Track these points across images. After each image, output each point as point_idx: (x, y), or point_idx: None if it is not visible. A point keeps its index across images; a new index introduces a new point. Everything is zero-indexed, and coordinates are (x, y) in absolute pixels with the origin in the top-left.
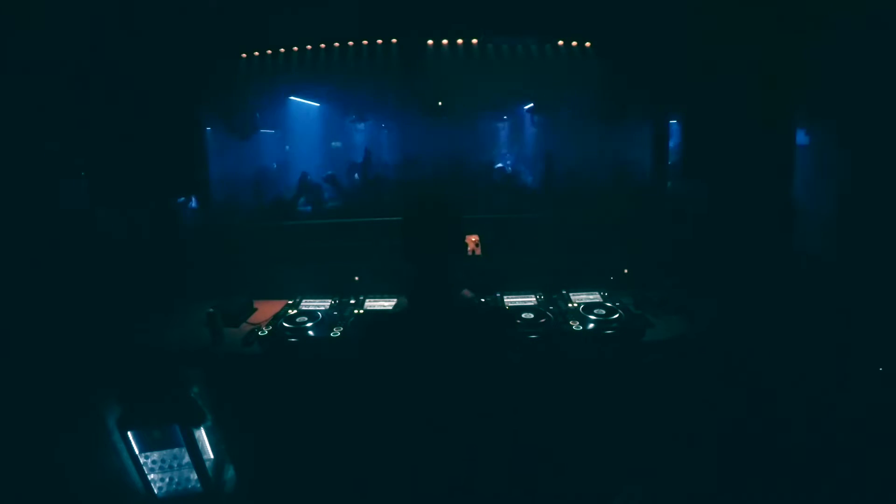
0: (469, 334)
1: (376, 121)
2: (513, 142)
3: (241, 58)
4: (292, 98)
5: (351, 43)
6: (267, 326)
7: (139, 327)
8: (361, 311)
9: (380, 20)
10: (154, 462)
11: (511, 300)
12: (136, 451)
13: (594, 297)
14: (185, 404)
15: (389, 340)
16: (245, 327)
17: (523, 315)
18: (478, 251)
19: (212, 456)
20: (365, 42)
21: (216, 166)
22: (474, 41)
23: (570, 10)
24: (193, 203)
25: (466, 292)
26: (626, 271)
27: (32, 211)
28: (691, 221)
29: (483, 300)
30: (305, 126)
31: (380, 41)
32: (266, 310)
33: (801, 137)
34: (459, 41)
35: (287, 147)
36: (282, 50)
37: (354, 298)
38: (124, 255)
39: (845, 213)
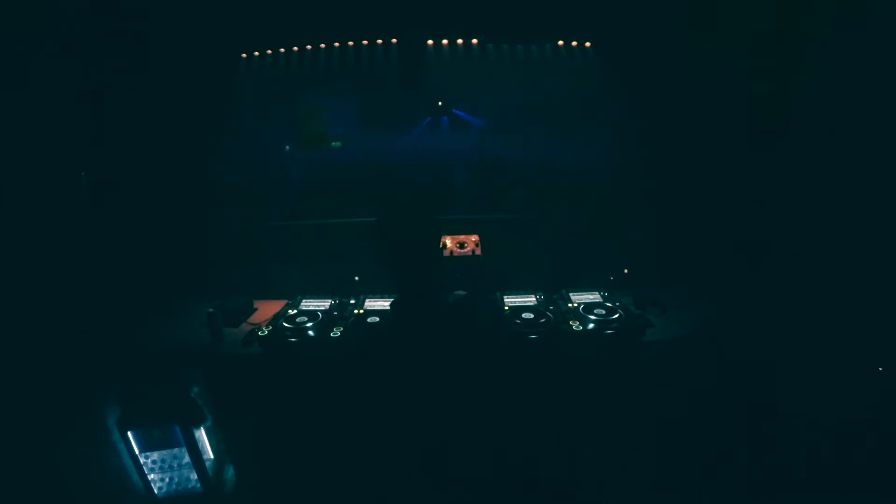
0: (459, 329)
1: (376, 120)
2: (513, 142)
3: (241, 58)
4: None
5: (351, 43)
6: (267, 326)
7: (140, 328)
8: (361, 311)
9: (380, 20)
10: (154, 462)
11: (511, 300)
12: (136, 451)
13: (594, 297)
14: (185, 404)
15: (383, 357)
16: (245, 327)
17: (523, 315)
18: (478, 251)
19: (212, 456)
20: (365, 42)
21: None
22: (474, 41)
23: (570, 10)
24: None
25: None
26: (626, 271)
27: (32, 211)
28: (689, 221)
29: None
30: None
31: (380, 41)
32: (266, 310)
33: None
34: (459, 41)
35: (287, 147)
36: (282, 50)
37: (354, 298)
38: (125, 255)
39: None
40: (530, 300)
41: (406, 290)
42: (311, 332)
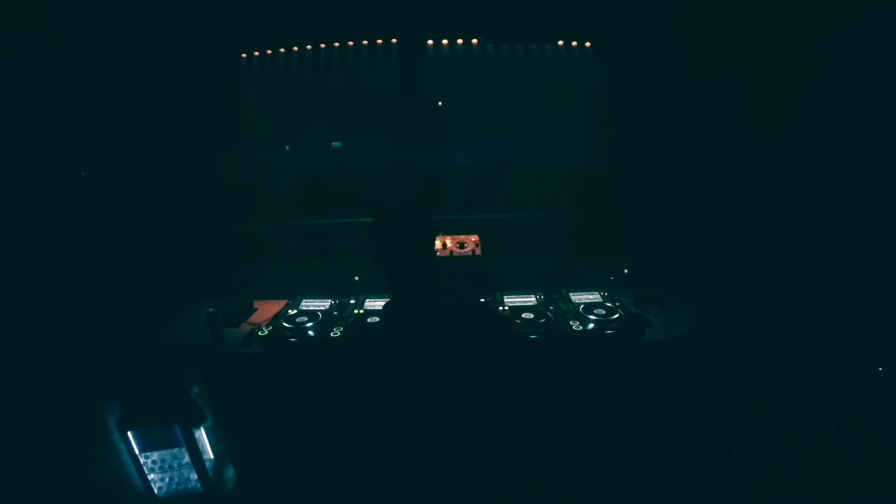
0: (457, 333)
1: (376, 120)
2: (513, 142)
3: (241, 58)
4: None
5: (351, 43)
6: (267, 326)
7: (140, 328)
8: (361, 311)
9: (380, 20)
10: (154, 462)
11: (511, 300)
12: (136, 451)
13: (594, 297)
14: (185, 404)
15: (376, 355)
16: (245, 327)
17: (523, 315)
18: (478, 251)
19: (212, 456)
20: (365, 42)
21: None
22: (474, 41)
23: (570, 10)
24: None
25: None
26: (626, 271)
27: (33, 211)
28: (689, 221)
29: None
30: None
31: (380, 41)
32: (266, 310)
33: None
34: (459, 41)
35: (287, 147)
36: (282, 50)
37: (354, 298)
38: (125, 255)
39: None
40: (530, 300)
41: (401, 291)
42: (311, 332)
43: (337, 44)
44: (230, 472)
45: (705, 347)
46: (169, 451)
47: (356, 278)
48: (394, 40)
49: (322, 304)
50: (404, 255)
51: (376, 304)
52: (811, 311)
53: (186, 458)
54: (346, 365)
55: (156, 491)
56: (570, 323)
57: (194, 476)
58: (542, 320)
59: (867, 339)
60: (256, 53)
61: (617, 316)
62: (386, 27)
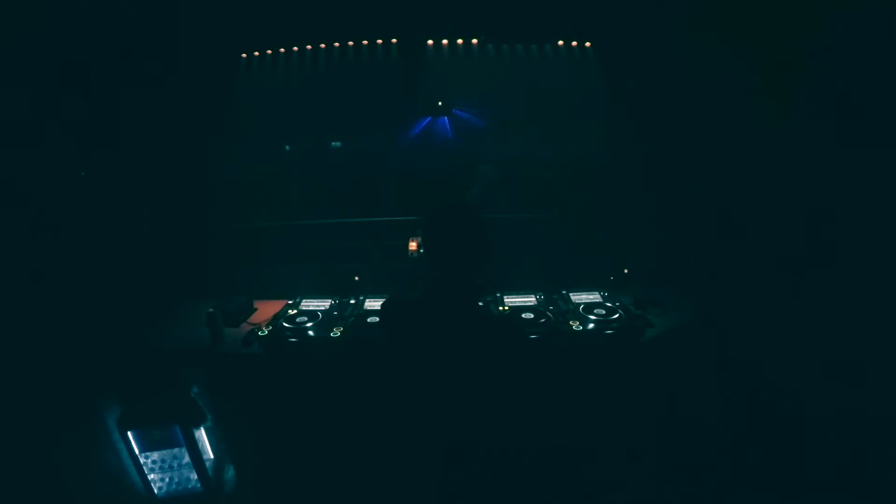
0: (480, 339)
1: (376, 120)
2: (513, 142)
3: (241, 58)
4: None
5: (351, 43)
6: (267, 326)
7: (140, 328)
8: (361, 312)
9: (380, 20)
10: (154, 462)
11: (511, 300)
12: (136, 451)
13: (594, 297)
14: (185, 404)
15: (405, 321)
16: (245, 327)
17: (523, 315)
18: None
19: (212, 456)
20: (365, 42)
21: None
22: (474, 41)
23: (571, 11)
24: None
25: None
26: (626, 271)
27: (33, 210)
28: (688, 221)
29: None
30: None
31: (380, 41)
32: (266, 310)
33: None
34: (459, 41)
35: (287, 147)
36: (282, 50)
37: (354, 298)
38: (125, 255)
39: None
40: (530, 300)
41: (447, 288)
42: (311, 332)
43: (337, 44)
44: (230, 472)
45: (705, 346)
46: (169, 451)
47: (356, 278)
48: (394, 40)
49: (322, 304)
50: (456, 253)
51: (376, 304)
52: (811, 309)
53: (186, 458)
54: (352, 361)
55: (156, 491)
56: (570, 323)
57: (194, 476)
58: (542, 320)
59: (867, 338)
60: (256, 53)
61: (617, 316)
62: (386, 27)
